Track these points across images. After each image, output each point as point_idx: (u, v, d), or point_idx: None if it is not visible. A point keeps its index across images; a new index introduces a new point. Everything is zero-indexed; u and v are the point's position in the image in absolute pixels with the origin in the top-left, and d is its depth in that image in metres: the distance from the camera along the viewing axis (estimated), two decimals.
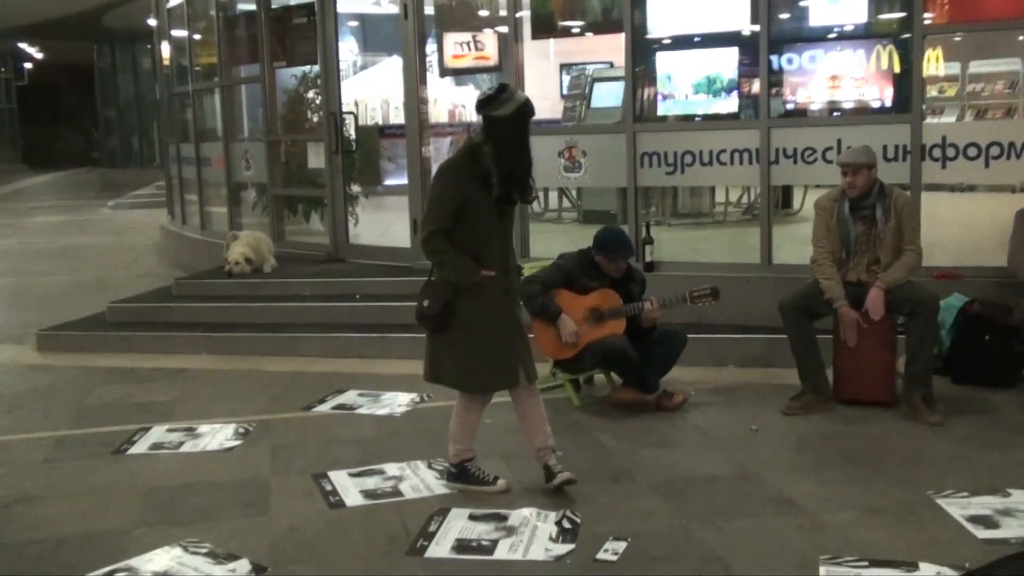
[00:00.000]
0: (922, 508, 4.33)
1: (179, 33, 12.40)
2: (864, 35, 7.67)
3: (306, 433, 5.72)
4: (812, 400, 5.78)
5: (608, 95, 10.77)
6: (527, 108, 4.38)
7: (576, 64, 13.05)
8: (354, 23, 17.21)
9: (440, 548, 4.07)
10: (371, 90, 16.00)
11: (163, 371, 7.24)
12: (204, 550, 4.10)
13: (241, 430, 5.74)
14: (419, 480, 4.85)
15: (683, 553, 3.99)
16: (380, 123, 15.14)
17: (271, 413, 6.11)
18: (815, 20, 7.49)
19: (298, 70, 10.40)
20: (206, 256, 10.32)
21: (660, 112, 7.93)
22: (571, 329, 5.83)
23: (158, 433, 5.74)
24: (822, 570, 3.74)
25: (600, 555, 3.95)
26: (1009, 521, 4.15)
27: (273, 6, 9.92)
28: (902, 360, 5.86)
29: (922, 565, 3.74)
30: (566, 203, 11.65)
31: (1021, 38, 13.53)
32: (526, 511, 4.39)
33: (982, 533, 4.04)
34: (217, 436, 5.64)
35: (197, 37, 11.76)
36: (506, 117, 4.35)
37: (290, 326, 7.90)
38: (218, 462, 5.26)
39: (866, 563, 3.78)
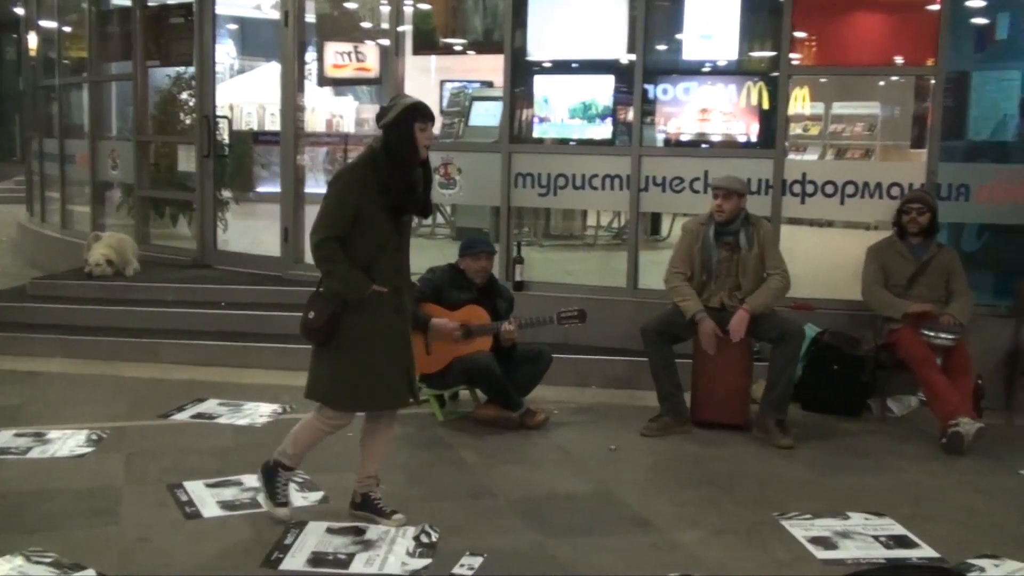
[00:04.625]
0: (768, 529, 4.49)
1: (48, 24, 12.00)
2: (734, 71, 7.95)
3: (163, 442, 5.59)
4: (670, 422, 5.93)
5: (486, 114, 10.85)
6: (413, 113, 4.24)
7: (456, 81, 13.12)
8: (233, 26, 16.96)
9: (295, 561, 4.03)
10: (247, 95, 15.78)
11: (13, 373, 6.97)
12: (48, 559, 3.96)
13: (94, 437, 5.56)
14: None
15: (538, 569, 4.05)
16: (255, 129, 14.93)
17: (127, 420, 5.95)
18: (689, 54, 7.71)
19: (172, 70, 10.19)
20: (65, 256, 9.97)
21: (536, 134, 8.06)
22: (450, 327, 5.85)
23: (4, 438, 5.51)
24: None
25: (456, 570, 3.97)
26: (847, 543, 4.34)
27: (149, 3, 9.71)
28: (755, 386, 6.09)
29: None
30: (440, 219, 11.68)
31: (881, 83, 14.21)
32: (384, 526, 4.38)
33: (821, 554, 4.22)
34: (68, 442, 5.46)
35: (67, 29, 11.40)
36: (391, 124, 4.25)
37: (151, 332, 7.70)
38: (68, 469, 5.09)
39: None
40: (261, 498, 4.51)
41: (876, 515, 4.66)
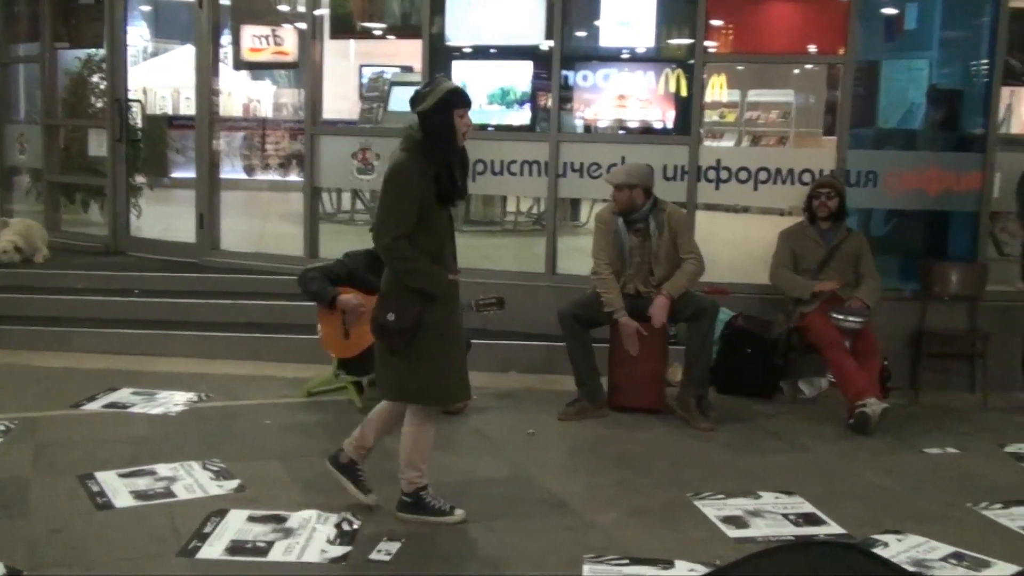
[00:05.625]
0: (682, 509, 4.59)
1: None
2: (652, 59, 8.04)
3: (74, 432, 5.48)
4: (587, 406, 6.00)
5: (406, 99, 10.76)
6: (451, 98, 4.11)
7: (376, 66, 13.03)
8: (146, 7, 16.60)
9: (213, 549, 4.00)
10: (161, 78, 15.47)
11: None
12: None
13: (2, 427, 5.43)
14: (193, 480, 4.74)
15: (456, 553, 4.08)
16: (169, 113, 14.65)
17: (37, 410, 5.81)
18: (606, 41, 7.79)
19: (82, 52, 9.94)
20: None
21: None
22: (354, 302, 5.84)
23: None
24: (586, 568, 3.90)
25: (373, 555, 3.98)
26: (758, 521, 4.46)
27: None
28: (671, 369, 6.19)
29: (677, 563, 3.96)
30: (360, 205, 11.61)
31: (796, 72, 14.48)
32: (306, 513, 4.36)
33: (733, 532, 4.32)
34: None
35: None
36: (429, 111, 4.11)
37: (62, 320, 7.52)
38: None
39: (627, 561, 3.97)
40: (428, 522, 4.33)
41: (786, 494, 4.79)
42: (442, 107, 4.11)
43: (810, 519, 4.51)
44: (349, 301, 5.87)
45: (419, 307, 4.13)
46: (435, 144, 4.13)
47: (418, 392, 4.24)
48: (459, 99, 4.15)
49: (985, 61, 7.13)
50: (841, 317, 6.06)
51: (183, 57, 13.69)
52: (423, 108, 4.13)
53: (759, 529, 4.37)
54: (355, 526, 4.25)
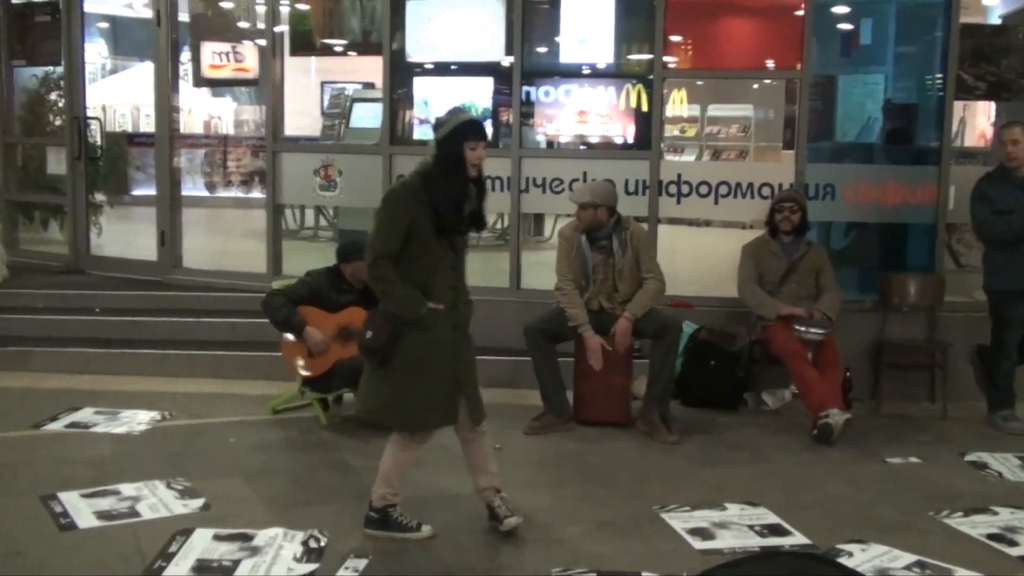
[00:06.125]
0: (648, 522, 4.61)
1: None
2: (612, 74, 8.10)
3: (35, 452, 5.42)
4: (553, 420, 6.02)
5: (367, 116, 10.79)
6: (463, 131, 4.14)
7: (337, 83, 13.04)
8: (104, 24, 16.49)
9: (179, 568, 3.97)
10: (121, 95, 15.37)
11: None
12: None
13: None
14: (157, 500, 4.70)
15: (423, 569, 4.08)
16: (129, 130, 14.56)
17: None
18: (566, 57, 7.83)
19: (40, 70, 9.86)
20: None
21: (417, 136, 8.06)
22: (317, 338, 5.83)
23: None
24: None
25: (340, 572, 3.97)
26: (724, 533, 4.49)
27: (14, 1, 9.38)
28: (636, 383, 6.23)
29: (644, 575, 3.99)
30: (323, 221, 11.59)
31: (755, 87, 14.66)
32: (273, 531, 4.34)
33: (699, 544, 4.35)
34: None
35: None
36: (442, 140, 4.16)
37: (22, 339, 7.43)
38: None
39: (594, 574, 3.99)
40: (394, 538, 4.34)
41: (751, 505, 4.83)
42: (454, 138, 4.16)
43: (775, 530, 4.54)
44: (313, 336, 5.85)
45: (391, 329, 4.16)
46: (443, 173, 4.16)
47: (379, 412, 4.33)
48: (471, 132, 4.18)
49: (939, 76, 7.25)
50: (803, 329, 6.13)
51: (142, 74, 13.62)
52: (437, 137, 4.20)
53: (725, 541, 4.40)
54: (322, 543, 4.23)
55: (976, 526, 4.64)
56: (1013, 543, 4.45)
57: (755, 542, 4.40)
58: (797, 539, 4.44)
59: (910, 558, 4.22)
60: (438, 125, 4.23)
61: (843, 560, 4.11)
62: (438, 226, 4.15)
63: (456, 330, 4.31)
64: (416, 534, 4.34)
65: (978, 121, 10.94)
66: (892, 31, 8.42)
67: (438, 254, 4.21)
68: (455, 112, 4.29)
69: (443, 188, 4.15)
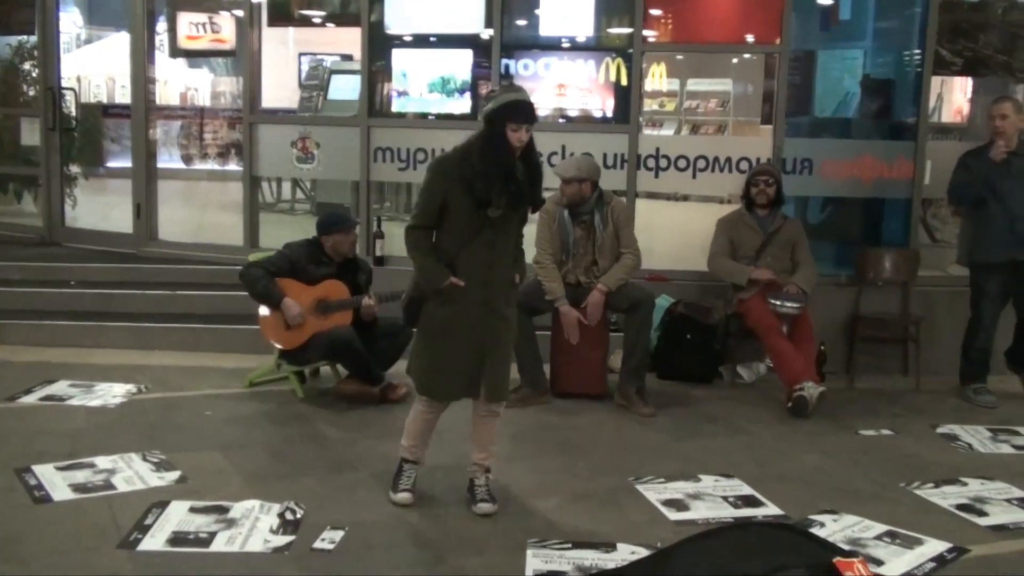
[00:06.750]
0: (623, 494, 4.65)
1: None
2: (592, 47, 8.07)
3: (9, 425, 5.39)
4: (530, 393, 6.04)
5: (345, 88, 10.72)
6: (505, 111, 4.05)
7: (316, 54, 12.93)
8: None
9: (155, 541, 3.97)
10: (96, 66, 15.18)
11: None
12: None
13: None
14: (133, 472, 4.70)
15: (399, 540, 4.10)
16: (104, 101, 14.39)
17: None
18: (546, 29, 7.79)
19: (13, 39, 9.74)
20: None
21: (395, 108, 8.02)
22: (295, 311, 5.82)
23: None
24: (529, 552, 3.95)
25: (317, 544, 3.98)
26: (698, 504, 4.53)
27: None
28: (612, 356, 6.25)
29: (619, 546, 4.02)
30: (300, 194, 11.52)
31: (734, 61, 14.63)
32: (249, 503, 4.34)
33: (674, 515, 4.39)
34: None
35: None
36: (487, 115, 4.10)
37: None
38: None
39: (570, 545, 4.02)
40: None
41: (725, 477, 4.87)
42: (497, 115, 4.08)
43: (749, 501, 4.59)
44: (291, 309, 5.83)
45: (413, 295, 4.31)
46: (481, 148, 4.12)
47: (408, 366, 4.47)
48: (513, 114, 4.08)
49: (917, 51, 7.27)
50: (778, 303, 6.16)
51: (118, 45, 13.44)
52: (484, 110, 4.16)
53: (699, 512, 4.44)
54: (298, 515, 4.24)
55: (947, 497, 4.71)
56: (982, 513, 4.52)
57: (728, 513, 4.44)
58: (770, 510, 4.49)
59: (881, 528, 4.27)
60: (489, 98, 4.17)
61: (815, 530, 4.16)
62: (480, 201, 4.11)
63: (485, 307, 4.25)
64: (393, 495, 4.44)
65: (955, 97, 10.97)
66: (871, 6, 8.44)
67: (471, 228, 4.17)
68: (507, 89, 4.22)
69: (479, 163, 4.10)
